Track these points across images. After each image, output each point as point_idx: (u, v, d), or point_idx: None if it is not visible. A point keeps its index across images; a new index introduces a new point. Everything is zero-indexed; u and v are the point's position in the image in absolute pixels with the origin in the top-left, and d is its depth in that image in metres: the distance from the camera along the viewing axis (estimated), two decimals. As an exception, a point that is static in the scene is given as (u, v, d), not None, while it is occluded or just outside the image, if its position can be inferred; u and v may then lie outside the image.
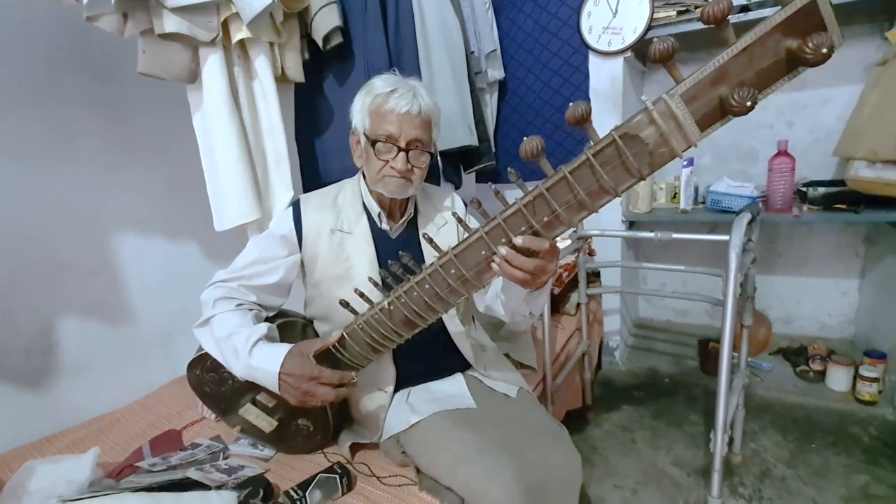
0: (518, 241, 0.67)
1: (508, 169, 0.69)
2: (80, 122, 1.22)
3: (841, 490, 1.42)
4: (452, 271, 0.77)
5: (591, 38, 1.95)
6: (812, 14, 0.51)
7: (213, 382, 1.00)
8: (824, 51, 0.49)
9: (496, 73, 2.02)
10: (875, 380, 1.75)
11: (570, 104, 0.62)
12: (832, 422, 1.73)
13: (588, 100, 2.03)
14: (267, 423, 1.01)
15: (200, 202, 1.20)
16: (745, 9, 1.74)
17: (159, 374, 1.43)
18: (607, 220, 2.05)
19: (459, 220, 0.75)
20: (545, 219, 0.69)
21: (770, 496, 1.43)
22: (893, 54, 1.56)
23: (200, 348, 1.00)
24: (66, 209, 1.22)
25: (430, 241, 0.77)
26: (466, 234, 0.74)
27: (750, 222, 1.24)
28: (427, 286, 0.80)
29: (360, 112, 0.96)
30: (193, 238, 1.49)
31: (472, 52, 1.71)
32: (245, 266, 0.99)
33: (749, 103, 0.53)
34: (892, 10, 1.77)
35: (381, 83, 0.95)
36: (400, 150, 0.93)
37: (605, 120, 2.04)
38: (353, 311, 0.88)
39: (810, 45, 0.49)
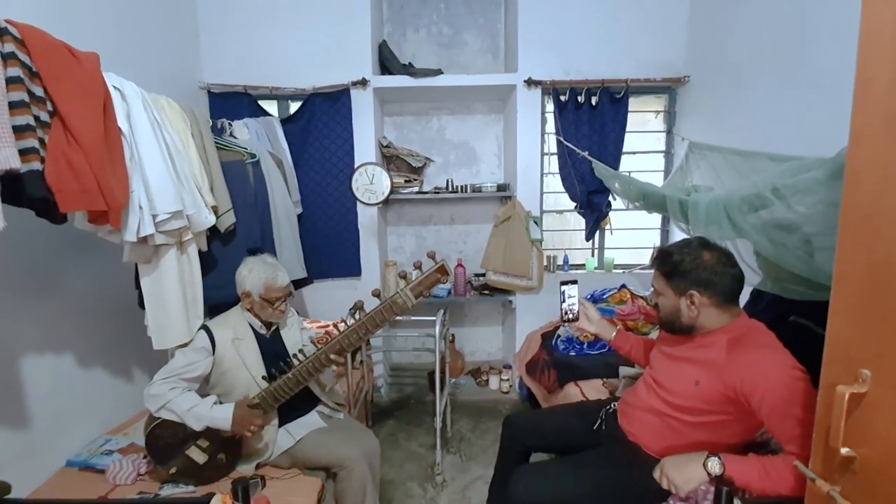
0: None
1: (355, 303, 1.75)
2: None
3: (490, 438, 2.88)
4: (311, 364, 1.73)
5: (358, 193, 3.13)
6: (444, 268, 1.75)
7: (169, 436, 1.63)
8: (445, 281, 1.74)
9: (298, 210, 2.99)
10: (507, 380, 3.41)
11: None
12: (491, 406, 3.28)
13: (357, 228, 3.22)
14: (202, 457, 1.68)
15: (68, 326, 1.82)
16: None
17: (48, 463, 1.77)
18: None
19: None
20: (349, 341, 1.75)
21: (464, 450, 2.77)
22: (499, 222, 3.30)
23: (153, 418, 1.63)
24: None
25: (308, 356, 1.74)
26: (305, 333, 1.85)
27: (445, 307, 2.59)
28: (304, 369, 1.73)
29: (254, 285, 1.78)
30: (69, 350, 1.90)
31: (290, 204, 2.65)
32: (179, 368, 1.69)
33: (426, 294, 1.74)
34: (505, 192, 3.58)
35: (264, 268, 1.80)
36: (283, 301, 1.84)
37: (368, 240, 3.26)
38: (269, 381, 1.72)
39: (442, 279, 1.74)
